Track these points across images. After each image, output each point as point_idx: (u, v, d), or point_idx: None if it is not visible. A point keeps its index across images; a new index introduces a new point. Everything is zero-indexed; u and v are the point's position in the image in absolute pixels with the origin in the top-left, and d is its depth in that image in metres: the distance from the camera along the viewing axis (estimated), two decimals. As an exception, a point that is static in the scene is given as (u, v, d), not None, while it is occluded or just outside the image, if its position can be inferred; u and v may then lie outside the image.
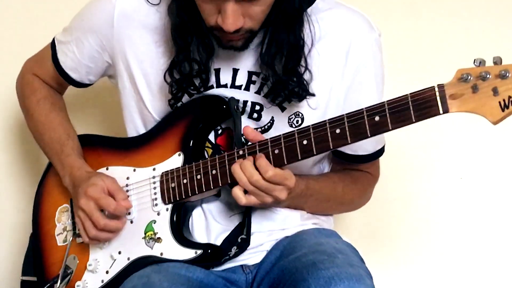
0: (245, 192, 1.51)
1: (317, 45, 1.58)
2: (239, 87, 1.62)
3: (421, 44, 2.17)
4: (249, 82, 1.61)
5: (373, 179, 1.76)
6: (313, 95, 1.58)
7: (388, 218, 2.18)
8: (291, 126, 1.61)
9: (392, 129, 1.40)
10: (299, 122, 1.61)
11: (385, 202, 2.11)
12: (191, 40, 1.56)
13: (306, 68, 1.56)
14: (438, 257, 2.17)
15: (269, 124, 1.63)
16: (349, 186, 1.70)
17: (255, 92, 1.61)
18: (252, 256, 1.65)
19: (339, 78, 1.61)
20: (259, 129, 1.63)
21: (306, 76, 1.57)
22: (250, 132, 1.53)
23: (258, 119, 1.63)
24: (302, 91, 1.56)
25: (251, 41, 1.55)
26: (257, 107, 1.62)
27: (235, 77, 1.62)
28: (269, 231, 1.67)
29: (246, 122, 1.62)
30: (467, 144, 2.12)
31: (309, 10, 1.56)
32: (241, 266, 1.65)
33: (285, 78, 1.54)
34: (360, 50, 1.60)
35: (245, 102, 1.62)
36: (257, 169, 1.49)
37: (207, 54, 1.57)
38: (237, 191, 1.51)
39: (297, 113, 1.61)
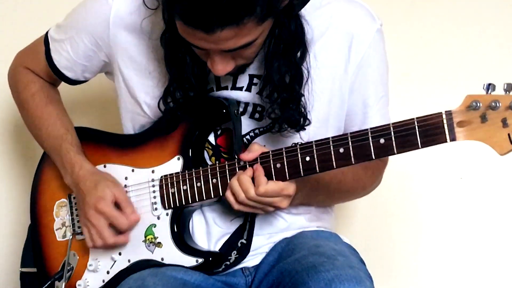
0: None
1: (318, 43, 1.54)
2: (240, 89, 1.59)
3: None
4: (251, 84, 1.59)
5: (382, 164, 1.74)
6: (306, 125, 1.55)
7: (388, 218, 2.18)
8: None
9: (397, 153, 1.38)
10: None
11: (385, 202, 2.11)
12: (185, 65, 1.52)
13: (302, 95, 1.53)
14: (438, 257, 2.18)
15: (269, 125, 1.61)
16: (359, 174, 1.68)
17: (257, 93, 1.59)
18: (251, 258, 1.65)
19: (343, 74, 1.58)
20: (261, 129, 1.62)
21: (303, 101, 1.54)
22: (248, 157, 1.51)
23: (259, 119, 1.61)
24: (296, 122, 1.53)
25: (248, 66, 1.52)
26: (259, 109, 1.60)
27: (236, 80, 1.59)
28: (269, 234, 1.67)
29: (247, 122, 1.61)
30: (467, 144, 2.10)
31: (306, 8, 1.50)
32: (241, 268, 1.65)
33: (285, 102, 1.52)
34: (363, 43, 1.57)
35: (246, 104, 1.60)
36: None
37: (201, 73, 1.54)
38: (230, 198, 1.50)
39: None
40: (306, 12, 1.50)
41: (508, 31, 2.14)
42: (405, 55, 2.11)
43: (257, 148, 1.52)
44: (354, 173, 1.66)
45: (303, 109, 1.53)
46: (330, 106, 1.59)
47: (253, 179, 1.48)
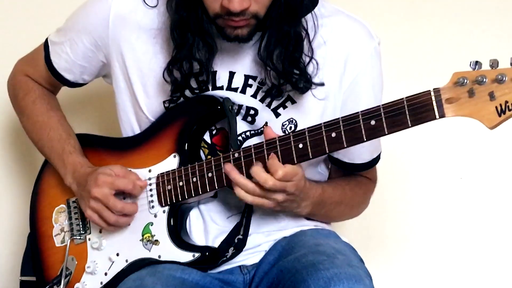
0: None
1: (316, 52, 1.56)
2: (235, 90, 1.61)
3: (416, 45, 2.17)
4: (246, 85, 1.60)
5: (372, 184, 1.76)
6: (321, 84, 1.56)
7: (388, 218, 2.18)
8: (284, 132, 1.61)
9: (388, 134, 1.39)
10: (292, 128, 1.61)
11: (385, 202, 2.11)
12: (191, 39, 1.53)
13: (312, 57, 1.54)
14: (438, 257, 2.17)
15: (262, 128, 1.62)
16: (355, 189, 1.70)
17: (251, 96, 1.61)
18: (250, 256, 1.65)
19: (337, 87, 1.60)
20: (252, 132, 1.63)
21: (311, 67, 1.55)
22: (269, 132, 1.52)
23: (252, 122, 1.63)
24: (304, 83, 1.54)
25: (255, 33, 1.52)
26: (252, 112, 1.62)
27: (231, 80, 1.61)
28: (267, 231, 1.67)
29: (239, 124, 1.62)
30: (467, 144, 2.12)
31: (312, 14, 1.55)
32: (239, 266, 1.65)
33: (287, 71, 1.52)
34: (359, 59, 1.59)
35: (240, 106, 1.61)
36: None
37: (208, 53, 1.55)
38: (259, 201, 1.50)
39: (291, 119, 1.60)
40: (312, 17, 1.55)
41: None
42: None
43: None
44: (351, 187, 1.69)
45: (308, 74, 1.54)
46: (322, 119, 1.59)
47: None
